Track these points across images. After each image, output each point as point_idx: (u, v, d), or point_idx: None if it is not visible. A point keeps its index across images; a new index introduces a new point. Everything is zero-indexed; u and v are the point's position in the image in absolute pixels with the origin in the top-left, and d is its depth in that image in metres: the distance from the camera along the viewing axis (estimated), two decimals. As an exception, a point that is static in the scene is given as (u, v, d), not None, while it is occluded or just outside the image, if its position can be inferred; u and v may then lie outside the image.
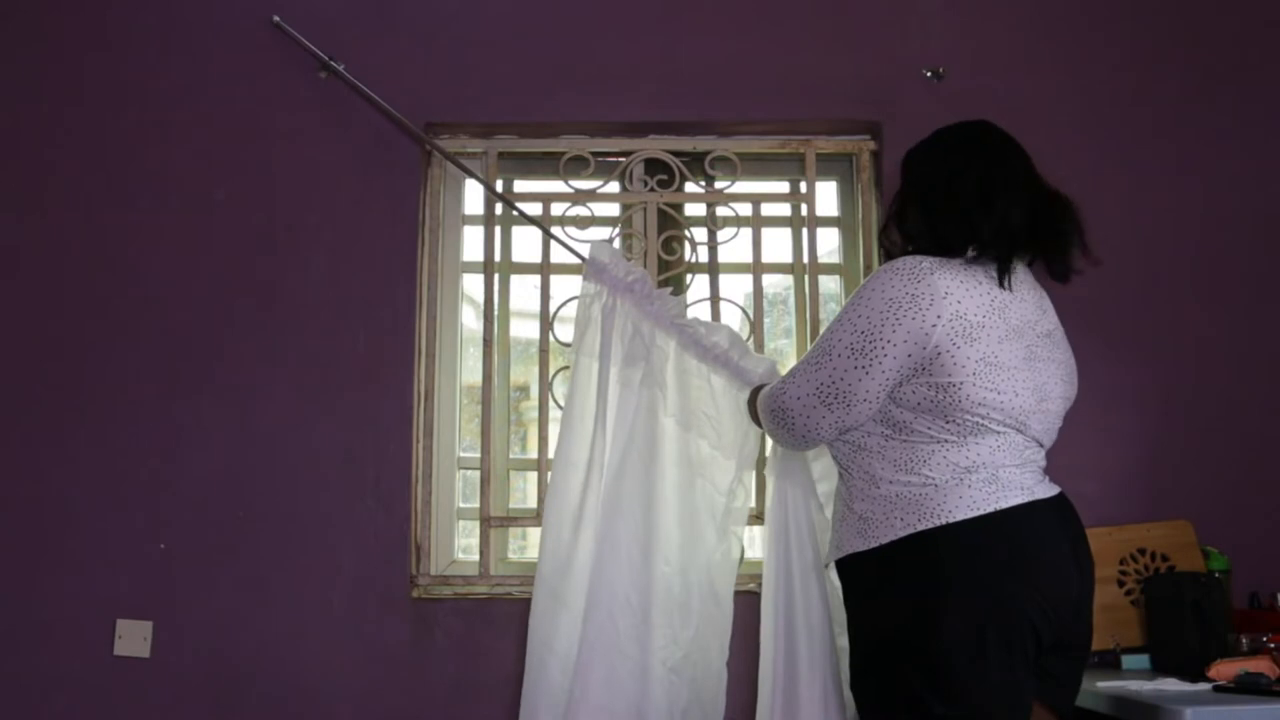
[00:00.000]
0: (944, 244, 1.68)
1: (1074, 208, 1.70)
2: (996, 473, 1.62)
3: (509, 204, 2.45)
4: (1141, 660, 2.14)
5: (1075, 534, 1.68)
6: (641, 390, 2.10)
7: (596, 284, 2.19)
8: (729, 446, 2.12)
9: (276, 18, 2.41)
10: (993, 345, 1.61)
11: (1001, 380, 1.61)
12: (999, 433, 1.63)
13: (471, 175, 2.44)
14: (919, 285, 1.61)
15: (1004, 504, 1.60)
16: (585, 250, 2.22)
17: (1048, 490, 1.67)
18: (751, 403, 2.06)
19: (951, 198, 1.68)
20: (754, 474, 2.22)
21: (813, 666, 1.95)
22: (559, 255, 2.42)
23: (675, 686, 2.03)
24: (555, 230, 2.42)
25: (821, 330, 2.37)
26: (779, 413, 1.78)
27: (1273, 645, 1.98)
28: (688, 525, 2.11)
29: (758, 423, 2.04)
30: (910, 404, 1.64)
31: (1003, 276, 1.65)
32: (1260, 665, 1.87)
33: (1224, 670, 1.89)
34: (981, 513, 1.59)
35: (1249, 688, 1.80)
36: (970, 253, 1.66)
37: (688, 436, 2.13)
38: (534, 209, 2.47)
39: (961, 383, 1.59)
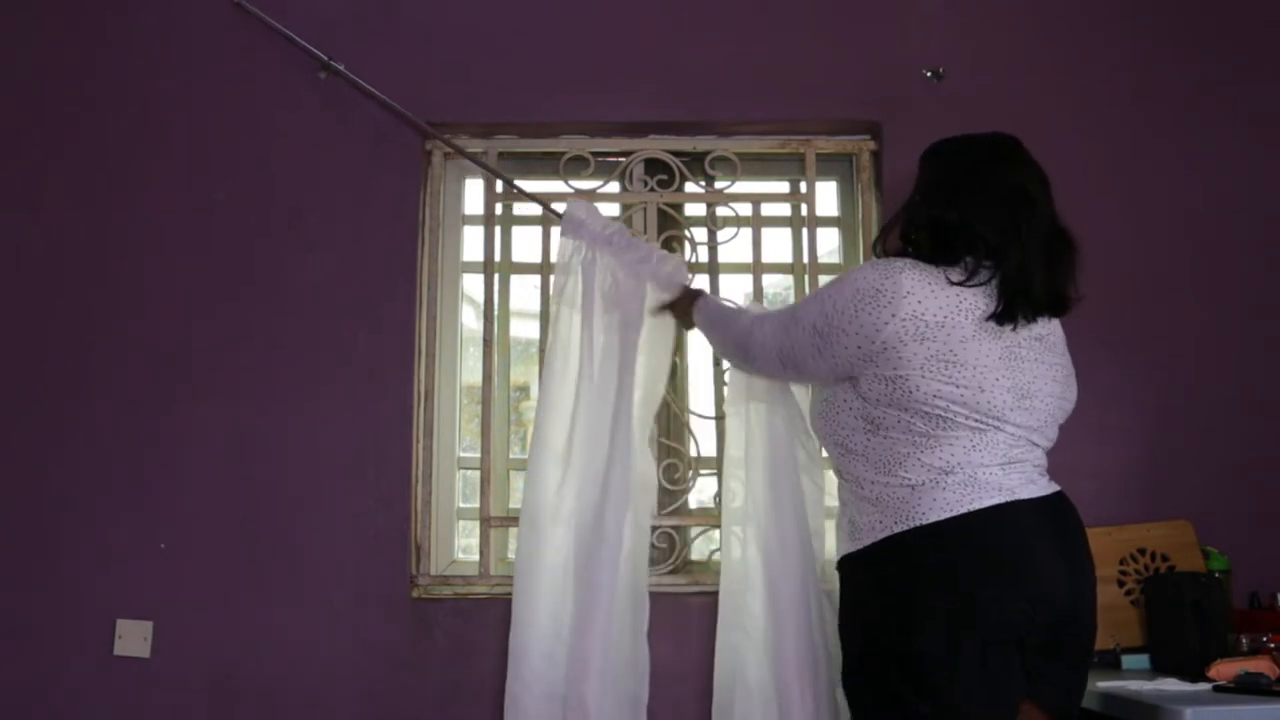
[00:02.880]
0: (945, 248, 1.68)
1: (1077, 250, 1.71)
2: (975, 473, 1.63)
3: (525, 194, 2.43)
4: (1141, 660, 2.14)
5: (1066, 533, 1.66)
6: (621, 333, 2.16)
7: (575, 239, 2.24)
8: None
9: (253, 8, 2.39)
10: (953, 344, 1.61)
11: (962, 375, 1.61)
12: (975, 429, 1.63)
13: (482, 165, 2.44)
14: (885, 282, 1.64)
15: (977, 505, 1.60)
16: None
17: (1037, 490, 1.66)
18: (684, 311, 2.13)
19: (969, 234, 1.67)
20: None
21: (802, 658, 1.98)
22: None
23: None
24: (556, 229, 2.42)
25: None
26: (742, 345, 1.92)
27: (1273, 645, 1.98)
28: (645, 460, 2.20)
29: (683, 321, 2.16)
30: (873, 398, 1.67)
31: (1003, 321, 1.64)
32: (1260, 665, 1.87)
33: (1224, 670, 1.89)
34: (954, 514, 1.60)
35: (1249, 688, 1.81)
36: (956, 275, 1.65)
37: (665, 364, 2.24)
38: (534, 210, 2.47)
39: (908, 376, 1.62)
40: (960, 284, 1.64)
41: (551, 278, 2.29)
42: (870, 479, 1.68)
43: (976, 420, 1.63)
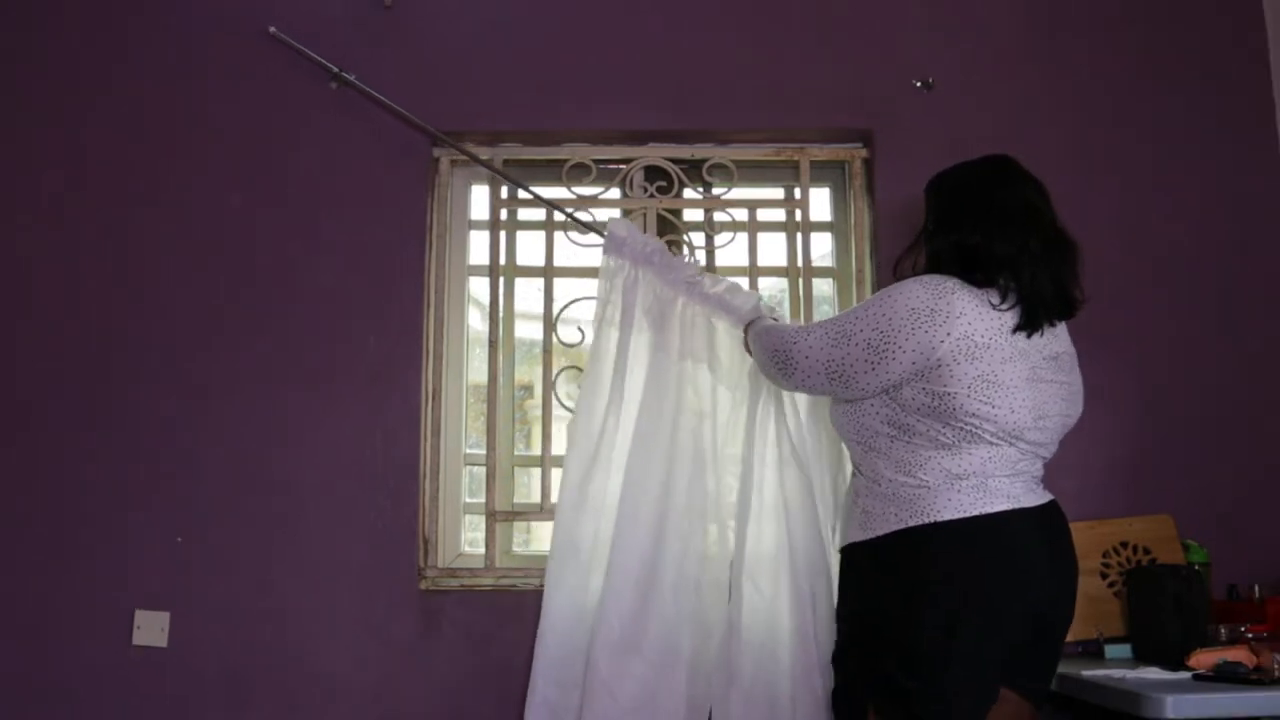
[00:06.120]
0: (972, 270, 1.74)
1: (1077, 250, 1.78)
2: (986, 481, 1.71)
3: (535, 196, 2.47)
4: (1124, 649, 2.18)
5: (1057, 540, 1.76)
6: (663, 354, 2.19)
7: (617, 259, 2.26)
8: (730, 380, 2.22)
9: (273, 28, 2.45)
10: (994, 365, 1.69)
11: (998, 396, 1.69)
12: (993, 444, 1.71)
13: (490, 167, 2.48)
14: (939, 301, 1.70)
15: (989, 509, 1.69)
16: (603, 227, 2.31)
17: (1036, 499, 1.75)
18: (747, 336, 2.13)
19: (989, 255, 1.73)
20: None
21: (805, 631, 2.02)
22: (561, 259, 2.49)
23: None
24: (559, 234, 2.50)
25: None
26: (782, 358, 1.87)
27: (1250, 635, 2.03)
28: (703, 469, 2.20)
29: (749, 349, 2.13)
30: (912, 407, 1.73)
31: (1031, 331, 1.72)
32: (1238, 655, 1.90)
33: (1203, 659, 1.92)
34: (967, 515, 1.69)
35: (1227, 676, 1.83)
36: (995, 298, 1.72)
37: (707, 378, 2.22)
38: (537, 215, 2.53)
39: (955, 393, 1.68)
40: (998, 307, 1.71)
41: (595, 298, 2.30)
42: (889, 477, 1.76)
43: (999, 437, 1.71)
